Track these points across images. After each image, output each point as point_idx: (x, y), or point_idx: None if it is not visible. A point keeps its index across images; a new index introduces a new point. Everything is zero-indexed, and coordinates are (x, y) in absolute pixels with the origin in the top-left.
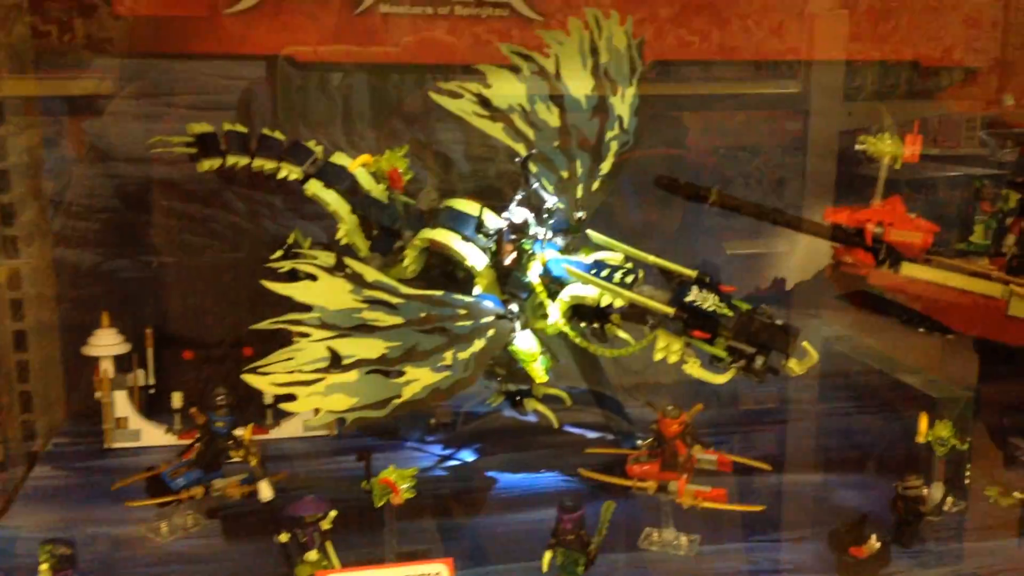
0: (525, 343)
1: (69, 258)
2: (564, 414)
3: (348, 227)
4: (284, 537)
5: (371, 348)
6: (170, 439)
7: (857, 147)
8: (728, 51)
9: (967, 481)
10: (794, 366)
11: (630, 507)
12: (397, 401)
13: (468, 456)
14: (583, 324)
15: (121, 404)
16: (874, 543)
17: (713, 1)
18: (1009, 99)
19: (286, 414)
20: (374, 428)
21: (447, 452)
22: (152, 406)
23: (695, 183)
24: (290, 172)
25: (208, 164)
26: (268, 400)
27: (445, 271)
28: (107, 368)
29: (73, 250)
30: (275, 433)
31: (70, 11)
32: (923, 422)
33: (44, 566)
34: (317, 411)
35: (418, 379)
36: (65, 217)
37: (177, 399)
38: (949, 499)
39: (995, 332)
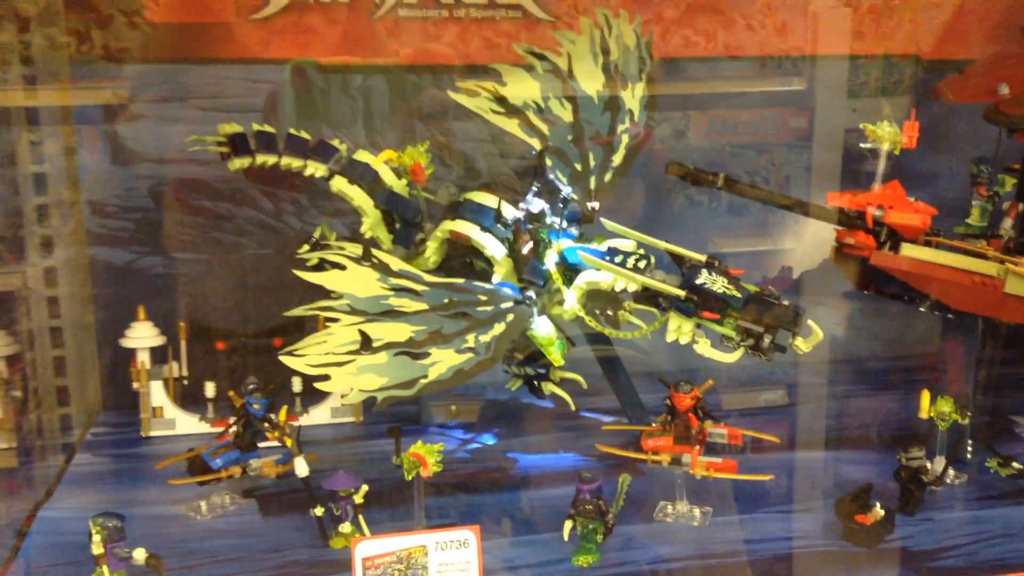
0: (542, 328)
1: (103, 256)
2: (581, 399)
3: (372, 221)
4: (319, 511)
5: (398, 332)
6: (203, 427)
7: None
8: (733, 49)
9: (968, 454)
10: (801, 344)
11: (645, 482)
12: (424, 381)
13: (489, 439)
14: (597, 310)
15: (157, 394)
16: (878, 511)
17: (717, 1)
18: (1004, 88)
19: (314, 402)
20: (398, 414)
21: (468, 436)
22: (186, 396)
23: (703, 169)
24: (316, 169)
25: (239, 163)
26: (297, 388)
27: (464, 261)
28: (143, 360)
29: (107, 248)
30: (304, 420)
31: (88, 22)
32: (925, 399)
33: (96, 538)
34: (350, 390)
35: (442, 360)
36: (99, 217)
37: (210, 389)
38: (951, 471)
39: (993, 310)
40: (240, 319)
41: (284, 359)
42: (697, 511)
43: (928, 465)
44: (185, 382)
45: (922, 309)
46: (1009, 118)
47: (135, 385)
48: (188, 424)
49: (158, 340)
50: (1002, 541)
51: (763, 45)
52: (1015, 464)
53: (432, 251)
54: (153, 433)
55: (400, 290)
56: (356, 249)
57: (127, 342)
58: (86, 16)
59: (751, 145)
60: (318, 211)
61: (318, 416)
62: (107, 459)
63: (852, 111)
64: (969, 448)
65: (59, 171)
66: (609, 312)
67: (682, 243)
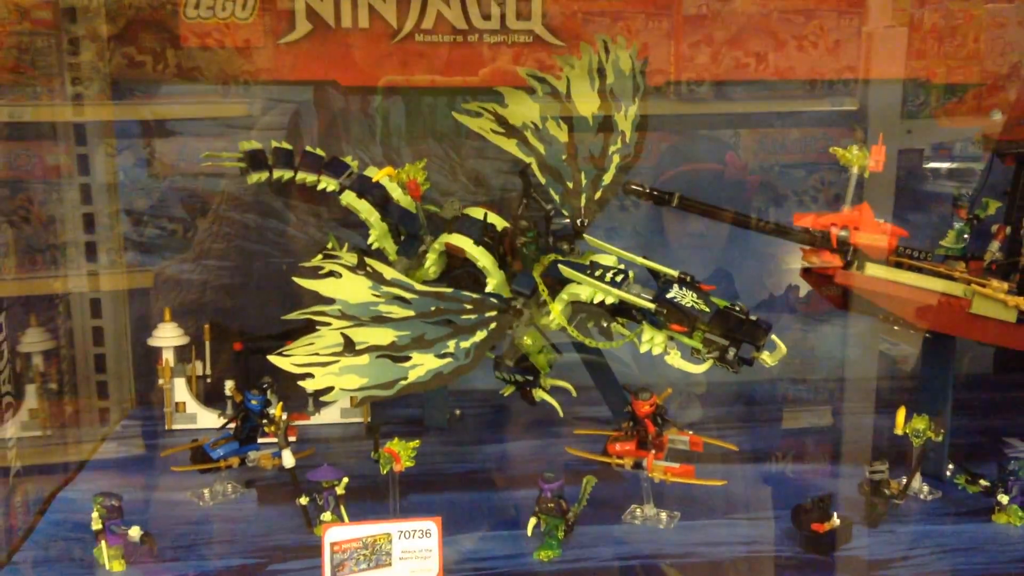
0: (530, 337)
1: (140, 261)
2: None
3: (378, 233)
4: (304, 500)
5: (382, 336)
6: (223, 423)
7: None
8: (784, 71)
9: (948, 472)
10: (766, 358)
11: (623, 485)
12: (403, 382)
13: (484, 443)
14: (591, 323)
15: (180, 390)
16: (835, 520)
17: (768, 24)
18: (997, 113)
19: (325, 403)
20: (403, 418)
21: (466, 439)
22: (210, 394)
23: (660, 188)
24: (328, 184)
25: (256, 177)
26: (310, 390)
27: (469, 272)
28: (168, 358)
29: (144, 254)
30: (315, 419)
31: (164, 43)
32: (900, 415)
33: (95, 514)
34: (331, 388)
35: (423, 364)
36: (137, 225)
37: (229, 387)
38: (926, 487)
39: (959, 329)
40: (261, 321)
41: (273, 359)
42: (664, 514)
43: (903, 480)
44: (208, 380)
45: (896, 328)
46: (997, 143)
47: (160, 382)
48: (209, 419)
49: (182, 340)
50: (957, 555)
51: (816, 66)
52: (982, 481)
53: (431, 262)
54: (176, 427)
55: (390, 297)
56: (352, 258)
57: (154, 341)
58: (147, 37)
59: (801, 164)
60: (337, 223)
61: (328, 416)
62: (131, 448)
63: (907, 132)
64: (950, 467)
65: (105, 183)
66: (603, 323)
67: (747, 260)
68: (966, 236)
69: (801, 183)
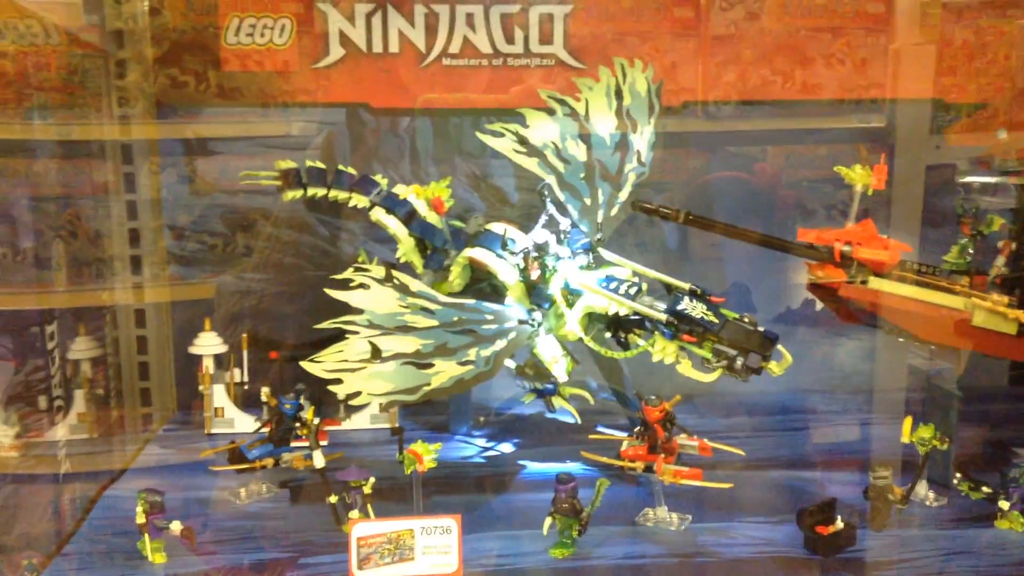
0: (547, 347)
1: (181, 274)
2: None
3: (406, 247)
4: (333, 499)
5: (408, 344)
6: (258, 426)
7: None
8: (810, 89)
9: (955, 481)
10: (773, 367)
11: (635, 490)
12: (427, 388)
13: (506, 448)
14: (608, 334)
15: (219, 396)
16: (839, 524)
17: (795, 42)
18: (1003, 133)
19: (356, 408)
20: (429, 424)
21: (489, 444)
22: (247, 400)
23: (667, 205)
24: (359, 201)
25: (291, 194)
26: (341, 396)
27: (492, 284)
28: (208, 365)
29: (185, 268)
30: (346, 425)
31: (206, 65)
32: (907, 425)
33: (139, 509)
34: (359, 393)
35: (445, 371)
36: (179, 239)
37: (264, 392)
38: (931, 494)
39: (961, 341)
40: (297, 331)
41: (305, 365)
42: (675, 517)
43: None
44: (246, 387)
45: (900, 340)
46: (1005, 162)
47: (200, 388)
48: (246, 424)
49: (221, 348)
50: (958, 558)
51: (844, 82)
52: (985, 488)
53: (455, 275)
54: (215, 431)
55: (416, 308)
56: (380, 271)
57: (195, 349)
58: (190, 58)
59: (828, 180)
60: (368, 238)
61: (359, 421)
62: (172, 451)
63: (936, 148)
64: (957, 476)
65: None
66: (620, 336)
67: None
68: (970, 251)
69: (830, 198)
